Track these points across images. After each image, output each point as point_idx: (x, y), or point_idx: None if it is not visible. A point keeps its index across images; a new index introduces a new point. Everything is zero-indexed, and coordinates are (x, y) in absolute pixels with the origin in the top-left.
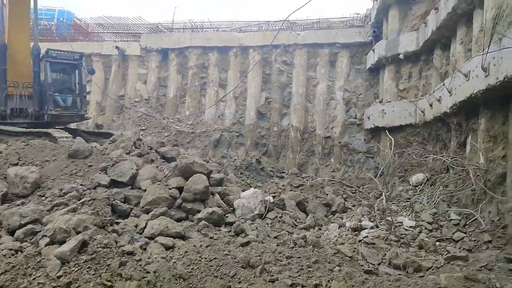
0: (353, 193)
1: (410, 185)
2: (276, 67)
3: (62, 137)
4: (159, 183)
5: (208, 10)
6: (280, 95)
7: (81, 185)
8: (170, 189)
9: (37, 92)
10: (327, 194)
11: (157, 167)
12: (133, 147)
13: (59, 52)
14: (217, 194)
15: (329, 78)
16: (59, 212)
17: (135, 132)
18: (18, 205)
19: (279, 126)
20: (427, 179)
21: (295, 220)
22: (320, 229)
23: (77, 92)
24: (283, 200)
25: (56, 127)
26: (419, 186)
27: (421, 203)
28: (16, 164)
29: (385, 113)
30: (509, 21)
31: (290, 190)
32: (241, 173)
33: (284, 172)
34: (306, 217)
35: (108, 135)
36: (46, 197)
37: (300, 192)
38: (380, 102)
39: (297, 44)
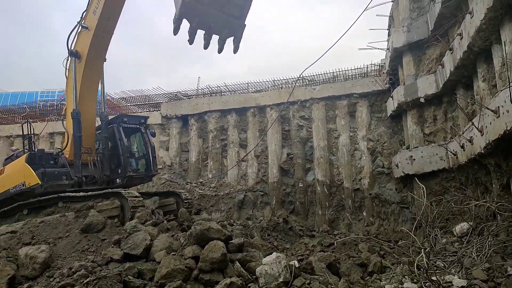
0: (391, 248)
1: (455, 236)
2: (295, 122)
3: (131, 195)
4: (174, 253)
5: (226, 78)
6: (301, 150)
7: (92, 261)
8: (186, 259)
9: (107, 157)
10: (362, 252)
11: (173, 235)
12: (150, 215)
13: (128, 118)
14: (237, 262)
15: (351, 129)
16: None
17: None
18: None
19: (304, 181)
20: (473, 229)
21: (326, 286)
22: None
23: (146, 154)
24: (311, 263)
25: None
26: (465, 237)
27: (470, 256)
28: (29, 244)
29: (414, 160)
30: None
31: (319, 251)
32: (268, 235)
33: (314, 230)
34: (339, 281)
35: (171, 193)
36: (54, 278)
37: (332, 252)
38: (407, 149)
39: (314, 98)
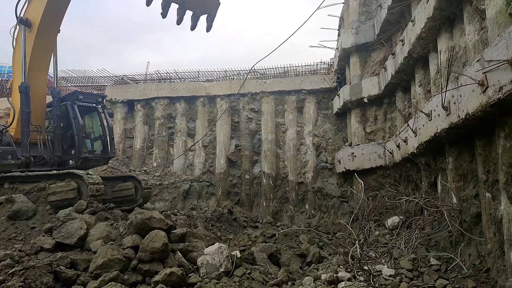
0: (329, 240)
1: (387, 228)
2: (245, 114)
3: (89, 175)
4: (112, 243)
5: (178, 66)
6: (250, 142)
7: (19, 250)
8: (125, 249)
9: (59, 137)
10: (302, 244)
11: (112, 224)
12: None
13: (84, 95)
14: (178, 252)
15: (298, 124)
16: None
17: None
18: None
19: (251, 173)
20: (403, 222)
21: (266, 276)
22: (293, 284)
23: (103, 135)
24: (252, 253)
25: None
26: (395, 230)
27: (399, 248)
28: None
29: (355, 156)
30: (463, 61)
31: (262, 242)
32: (212, 225)
33: (258, 222)
34: (279, 271)
35: (129, 178)
36: None
37: (274, 243)
38: (349, 146)
39: (264, 92)
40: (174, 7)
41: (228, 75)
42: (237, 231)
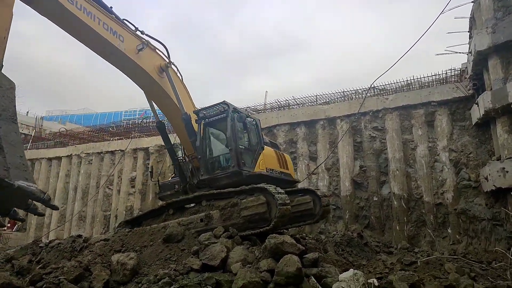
0: (483, 270)
1: None
2: (367, 134)
3: (276, 189)
4: (249, 265)
5: (293, 91)
6: (375, 162)
7: (174, 270)
8: (261, 272)
9: (202, 159)
10: (449, 273)
11: (248, 248)
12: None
13: (205, 111)
14: (312, 277)
15: (429, 139)
16: None
17: None
18: None
19: (379, 195)
20: None
21: None
22: None
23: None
24: (391, 282)
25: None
26: None
27: None
28: (119, 251)
29: (507, 172)
30: None
31: (400, 270)
32: (342, 250)
33: (392, 247)
34: None
35: (307, 191)
36: (142, 284)
37: (414, 271)
38: (498, 160)
39: (387, 108)
40: None
41: (346, 95)
42: (370, 257)
